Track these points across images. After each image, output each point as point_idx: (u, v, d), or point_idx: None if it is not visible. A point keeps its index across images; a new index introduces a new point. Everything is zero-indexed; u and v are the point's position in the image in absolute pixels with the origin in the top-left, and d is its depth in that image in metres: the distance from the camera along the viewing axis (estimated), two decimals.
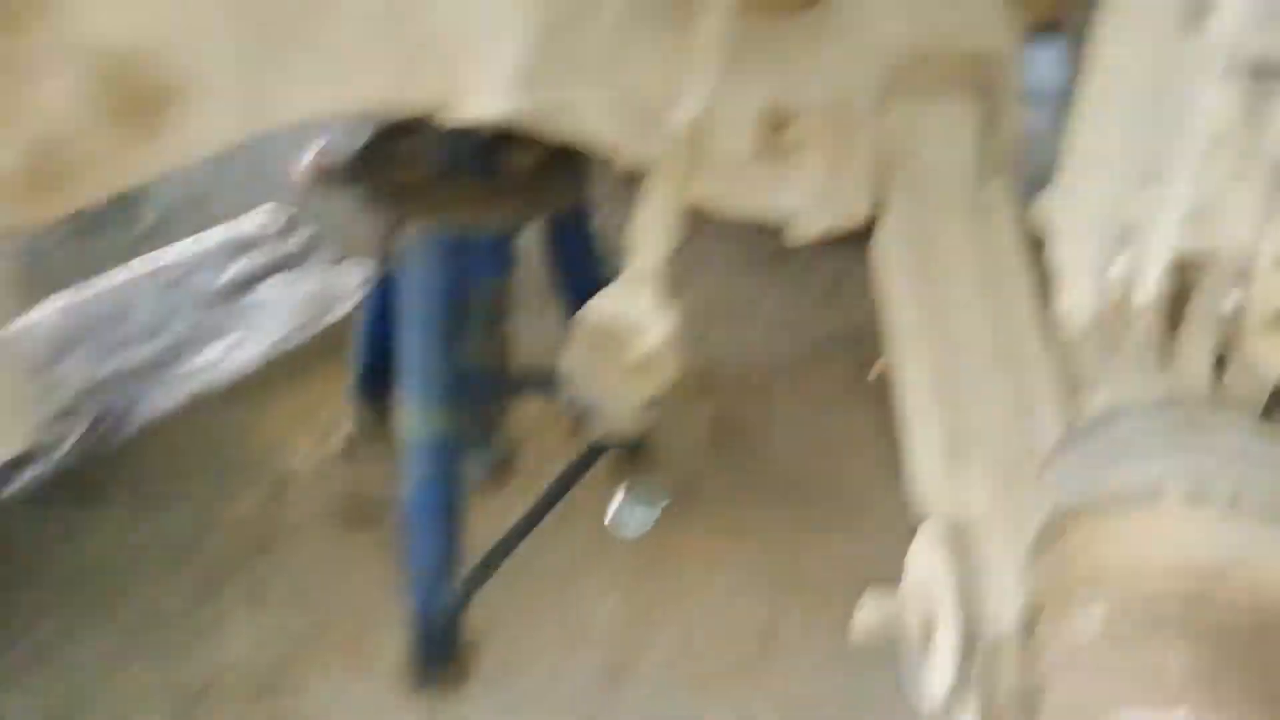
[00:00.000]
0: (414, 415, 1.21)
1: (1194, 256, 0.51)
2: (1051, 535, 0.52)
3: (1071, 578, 0.48)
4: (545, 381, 1.78)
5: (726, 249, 2.27)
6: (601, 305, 0.80)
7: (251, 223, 2.27)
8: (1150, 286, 0.45)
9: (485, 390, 1.35)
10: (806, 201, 0.97)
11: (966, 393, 0.85)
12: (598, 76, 0.91)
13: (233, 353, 1.95)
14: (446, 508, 1.31)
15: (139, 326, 1.98)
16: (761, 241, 2.17)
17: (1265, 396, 0.64)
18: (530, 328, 1.65)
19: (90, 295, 2.04)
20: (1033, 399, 0.84)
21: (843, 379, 1.91)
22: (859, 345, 1.92)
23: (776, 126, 0.97)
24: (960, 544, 0.73)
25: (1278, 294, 0.47)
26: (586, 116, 0.94)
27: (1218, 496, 0.45)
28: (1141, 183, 0.46)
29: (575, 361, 0.83)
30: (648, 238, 0.82)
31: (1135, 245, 0.46)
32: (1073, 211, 0.53)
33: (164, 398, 1.87)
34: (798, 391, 1.95)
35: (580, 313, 0.86)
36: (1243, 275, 0.49)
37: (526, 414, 1.77)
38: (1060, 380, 0.83)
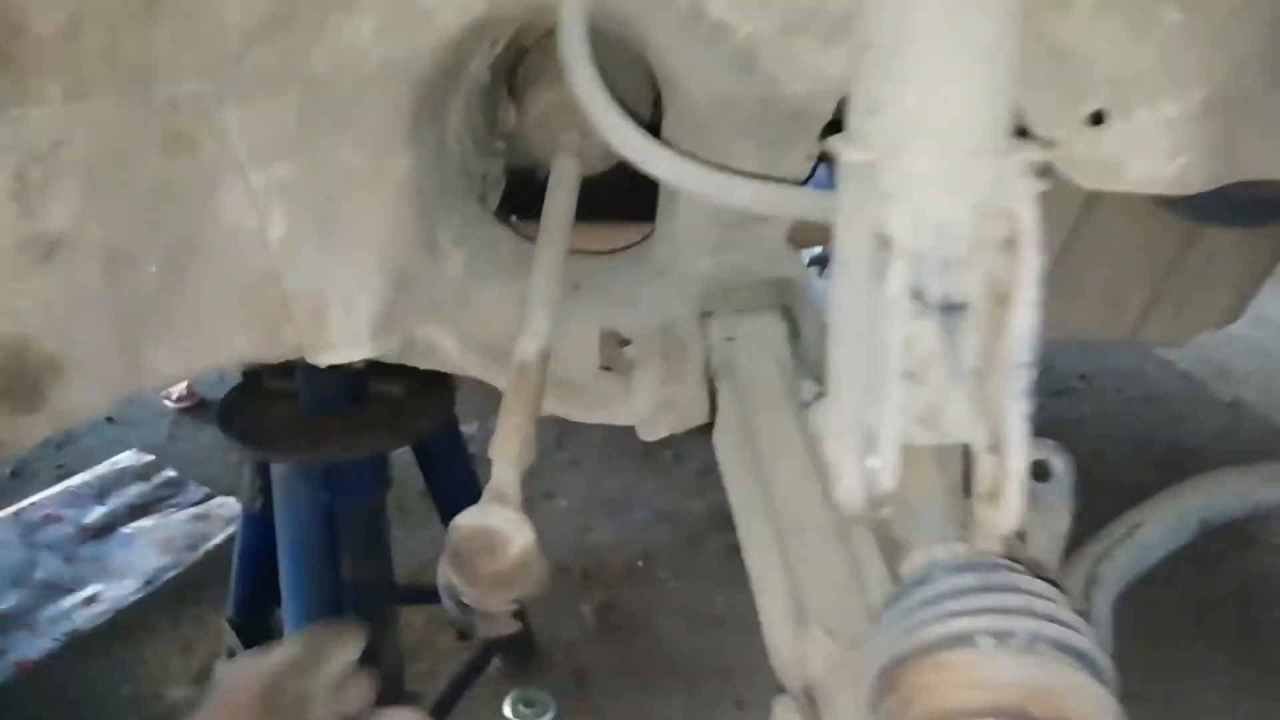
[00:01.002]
0: None
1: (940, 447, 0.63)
2: (885, 686, 0.60)
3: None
4: (431, 591, 1.81)
5: (601, 448, 2.38)
6: (466, 521, 0.88)
7: (114, 466, 2.26)
8: (890, 476, 0.56)
9: (368, 608, 1.38)
10: (649, 410, 1.07)
11: (804, 565, 0.94)
12: (449, 318, 1.02)
13: (105, 593, 1.91)
14: None
15: (3, 577, 1.93)
16: (634, 439, 2.29)
17: (1055, 546, 0.76)
18: (415, 536, 1.69)
19: None
20: (863, 566, 0.94)
21: (720, 558, 2.00)
22: (732, 525, 2.02)
23: (616, 345, 1.09)
24: (810, 705, 0.80)
25: (989, 475, 0.58)
26: (442, 350, 1.04)
27: (1018, 641, 0.55)
28: (872, 396, 0.57)
29: (447, 573, 0.89)
30: (505, 455, 0.91)
31: (875, 444, 0.57)
32: (832, 416, 0.64)
33: (34, 644, 1.80)
34: (679, 574, 2.02)
35: (449, 528, 0.93)
36: (969, 460, 0.61)
37: (414, 623, 1.78)
38: (881, 550, 0.93)
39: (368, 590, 1.34)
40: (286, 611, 1.24)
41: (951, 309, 0.59)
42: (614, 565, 2.04)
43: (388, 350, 1.00)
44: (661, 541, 2.14)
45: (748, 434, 1.05)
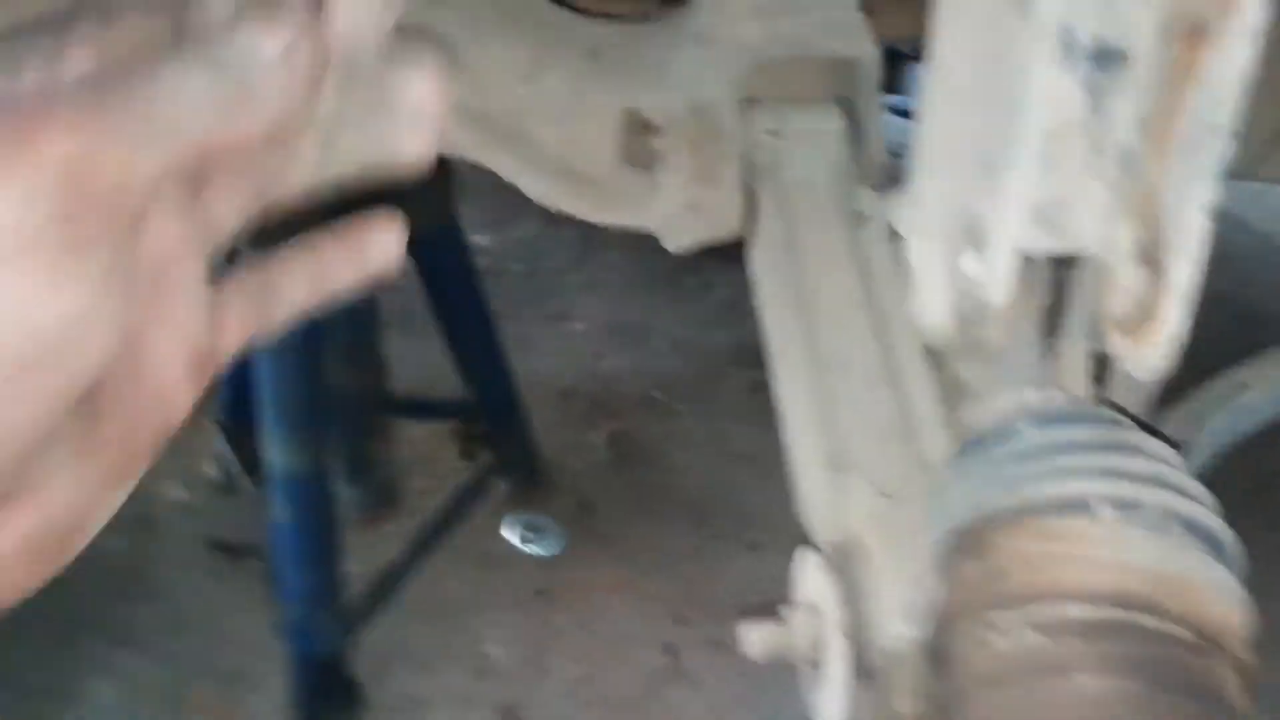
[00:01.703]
0: (275, 448, 1.13)
1: (1060, 256, 0.48)
2: (966, 549, 0.48)
3: (996, 591, 0.45)
4: (430, 405, 1.73)
5: (620, 270, 2.23)
6: None
7: None
8: (1000, 288, 0.41)
9: (357, 416, 1.27)
10: (676, 211, 0.92)
11: (845, 407, 0.81)
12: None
13: None
14: (317, 542, 1.23)
15: None
16: (655, 261, 2.14)
17: (1149, 399, 0.62)
18: (416, 347, 1.57)
19: None
20: (913, 412, 0.81)
21: (741, 395, 1.88)
22: (756, 361, 1.89)
23: (640, 133, 0.92)
24: (845, 561, 0.69)
25: (1132, 292, 0.43)
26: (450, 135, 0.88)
27: (1145, 514, 0.43)
28: (984, 174, 0.42)
29: None
30: None
31: (982, 243, 0.42)
32: (921, 207, 0.49)
33: None
34: (696, 409, 1.91)
35: None
36: (1103, 275, 0.46)
37: (413, 439, 1.69)
38: (940, 393, 0.80)
39: (358, 398, 1.24)
40: (264, 412, 1.14)
41: (1104, 59, 0.42)
42: (629, 394, 1.94)
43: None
44: (680, 373, 2.03)
45: (790, 249, 0.89)
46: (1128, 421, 0.50)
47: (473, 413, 1.57)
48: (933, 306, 0.47)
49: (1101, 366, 0.55)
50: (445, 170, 0.99)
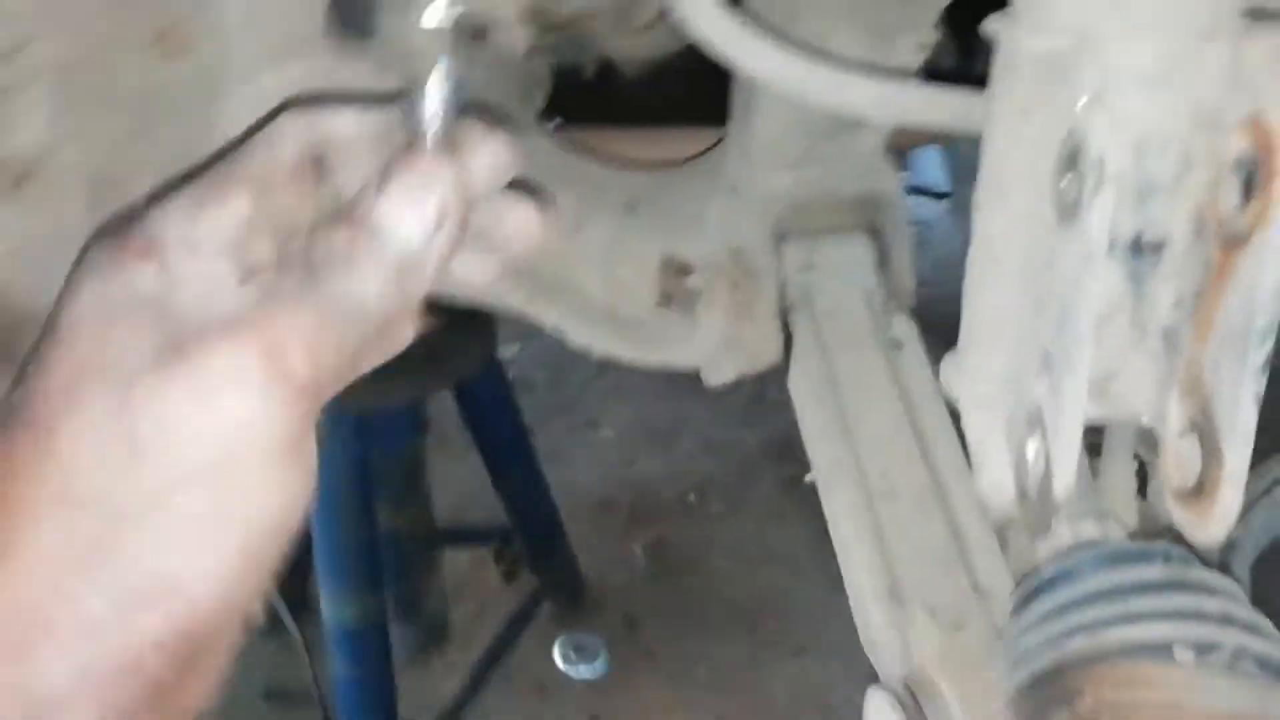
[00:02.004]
0: (330, 600, 1.15)
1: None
2: (1052, 695, 0.50)
3: None
4: (471, 532, 1.74)
5: (645, 373, 2.26)
6: None
7: None
8: (1064, 481, 0.43)
9: (408, 557, 1.29)
10: (716, 348, 0.95)
11: (897, 534, 0.83)
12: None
13: None
14: (378, 692, 1.23)
15: None
16: None
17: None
18: (453, 469, 1.59)
19: None
20: (966, 536, 0.82)
21: (776, 493, 1.89)
22: (788, 455, 1.92)
23: (677, 275, 0.96)
24: (913, 699, 0.70)
25: (1187, 466, 0.45)
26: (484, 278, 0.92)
27: (1222, 655, 0.45)
28: (1041, 365, 0.44)
29: None
30: None
31: (1043, 431, 0.44)
32: (977, 384, 0.51)
33: None
34: (733, 510, 1.93)
35: None
36: (1158, 445, 0.48)
37: (454, 564, 1.70)
38: (988, 518, 0.81)
39: (407, 539, 1.25)
40: (320, 567, 1.16)
41: (1144, 249, 0.45)
42: (664, 500, 1.95)
43: None
44: (714, 474, 2.04)
45: (829, 378, 0.92)
46: (1189, 555, 0.52)
47: (512, 535, 1.59)
48: (996, 485, 0.49)
49: (1144, 480, 0.57)
50: (488, 318, 1.03)
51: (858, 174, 0.87)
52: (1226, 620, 0.46)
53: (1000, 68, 0.46)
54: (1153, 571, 0.50)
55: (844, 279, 0.95)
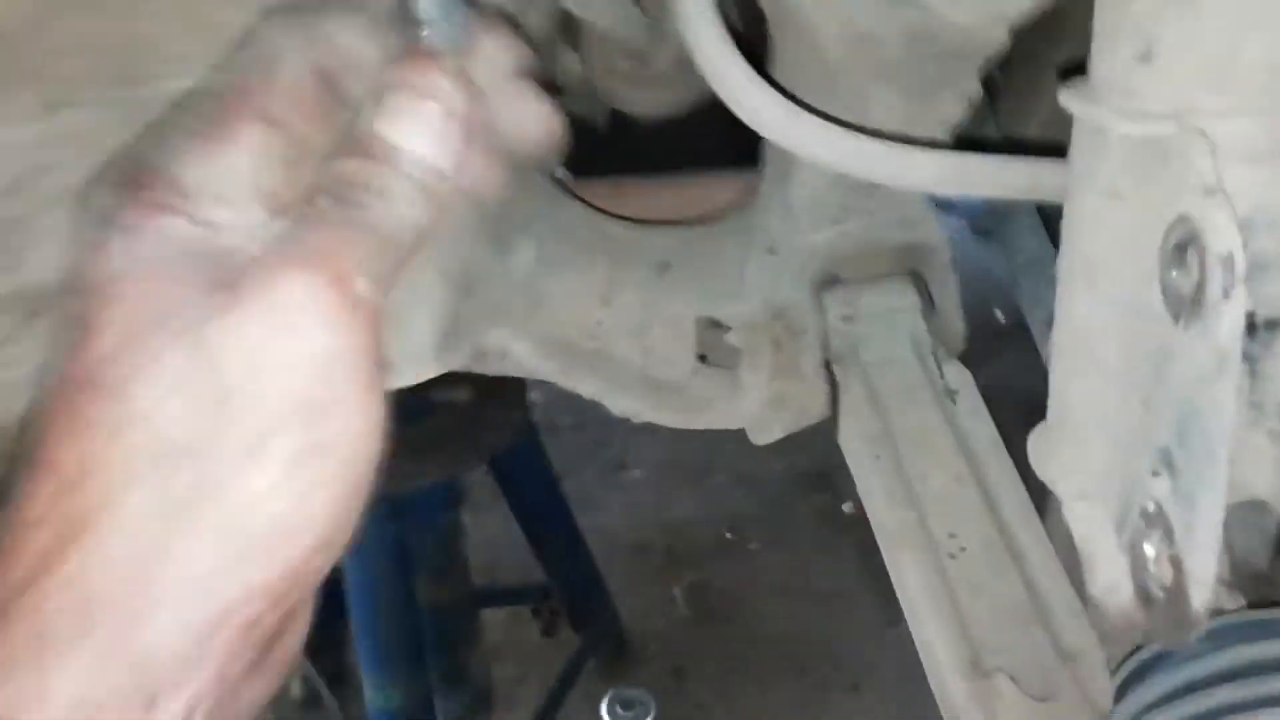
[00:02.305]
0: (373, 686, 1.12)
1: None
2: None
3: None
4: (510, 591, 1.71)
5: None
6: None
7: None
8: (1204, 590, 0.40)
9: (449, 628, 1.26)
10: (761, 408, 0.92)
11: (971, 595, 0.79)
12: (520, 319, 0.87)
13: None
14: None
15: None
16: None
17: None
18: (483, 523, 1.56)
19: None
20: (1042, 593, 0.78)
21: (813, 524, 1.86)
22: (823, 485, 1.88)
23: (716, 333, 0.93)
24: None
25: None
26: (516, 356, 0.89)
27: None
28: (1156, 463, 0.41)
29: None
30: None
31: (1166, 532, 0.41)
32: (1077, 474, 0.48)
33: None
34: (772, 545, 1.89)
35: None
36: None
37: (493, 623, 1.67)
38: (1069, 567, 0.78)
39: (448, 610, 1.22)
40: (362, 652, 1.13)
41: (1258, 327, 0.42)
42: (700, 540, 1.91)
43: (455, 365, 0.86)
44: (749, 509, 2.00)
45: (884, 433, 0.88)
46: None
47: (549, 590, 1.56)
48: (1112, 587, 0.46)
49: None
50: (520, 385, 1.00)
51: (900, 223, 0.84)
52: None
53: (1083, 147, 0.43)
54: (1272, 649, 0.46)
55: (890, 327, 0.91)
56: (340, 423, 0.37)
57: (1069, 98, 0.43)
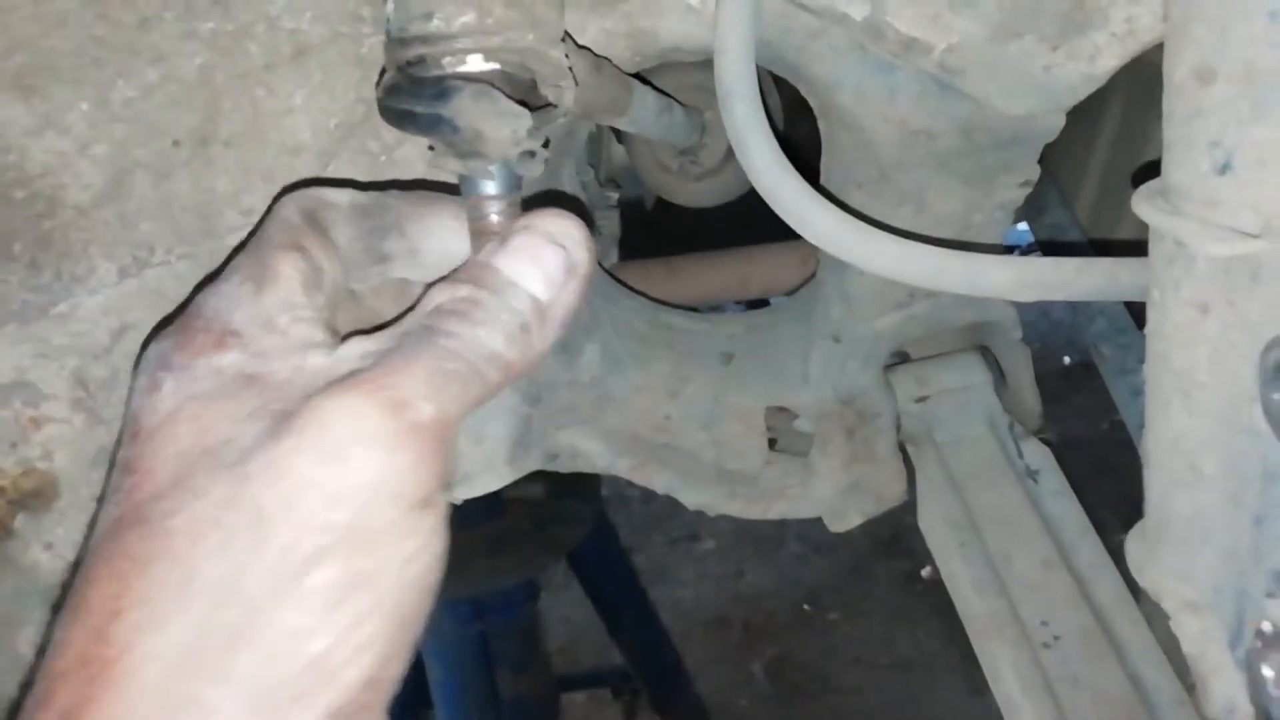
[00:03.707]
0: None
1: None
2: None
3: None
4: (590, 676, 1.70)
5: None
6: None
7: None
8: None
9: (537, 717, 1.25)
10: (837, 494, 0.90)
11: (1068, 686, 0.76)
12: (590, 419, 0.87)
13: None
14: None
15: None
16: None
17: None
18: (557, 601, 1.55)
19: None
20: (1147, 684, 0.75)
21: (894, 591, 1.81)
22: (900, 549, 1.83)
23: (787, 420, 0.92)
24: None
25: None
26: (587, 455, 0.89)
27: None
28: (1270, 583, 0.39)
29: None
30: None
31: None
32: (1185, 586, 0.46)
33: None
34: (852, 615, 1.84)
35: None
36: None
37: (573, 705, 1.65)
38: (1171, 655, 0.75)
39: (531, 702, 1.21)
40: None
41: None
42: (778, 612, 1.88)
43: (528, 469, 0.86)
44: (825, 577, 1.96)
45: (965, 516, 0.86)
46: None
47: (629, 673, 1.54)
48: (1230, 708, 0.44)
49: None
50: (593, 480, 1.00)
51: (967, 303, 0.82)
52: None
53: (1166, 258, 0.41)
54: None
55: (963, 404, 0.89)
56: (388, 549, 0.35)
57: (1146, 208, 0.42)
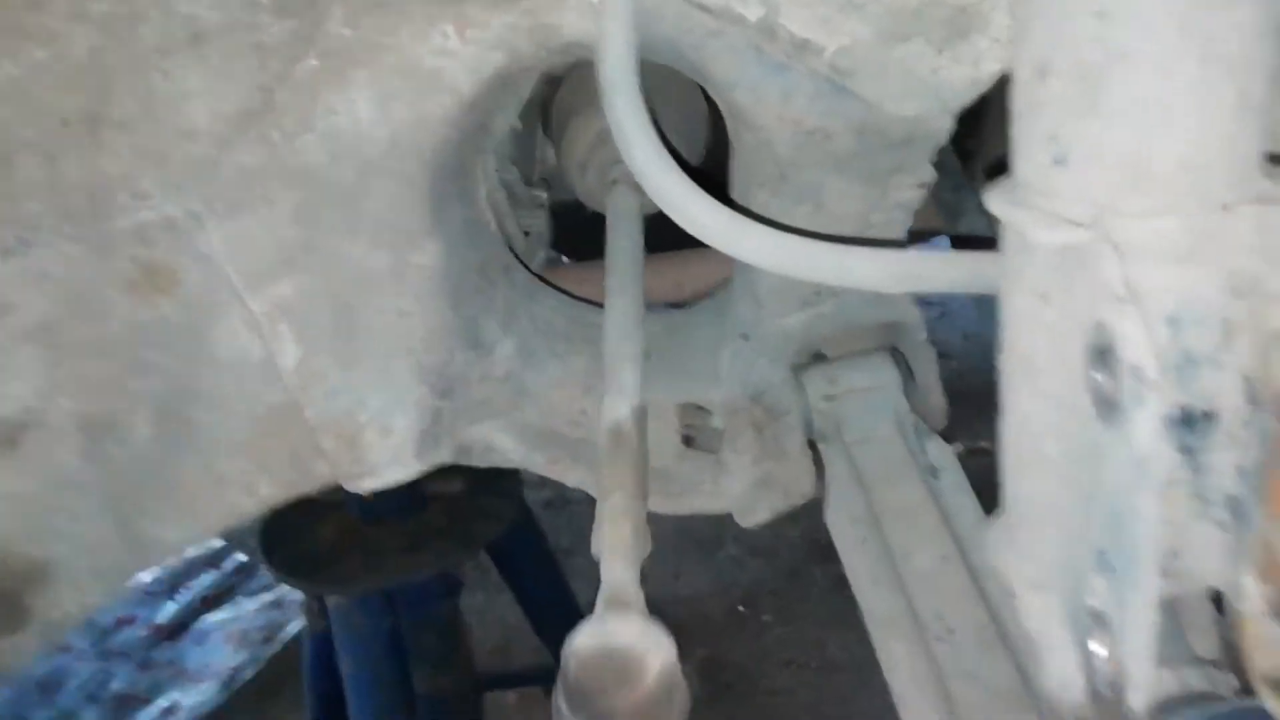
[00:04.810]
0: None
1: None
2: None
3: None
4: (519, 675, 1.69)
5: None
6: (584, 644, 0.70)
7: (182, 556, 2.16)
8: (1142, 694, 0.39)
9: (451, 717, 1.24)
10: (748, 490, 0.92)
11: (960, 679, 0.78)
12: (504, 413, 0.87)
13: (182, 701, 1.81)
14: None
15: (76, 693, 1.84)
16: None
17: None
18: (496, 600, 1.54)
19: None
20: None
21: (828, 595, 1.83)
22: (836, 555, 1.84)
23: (699, 417, 0.93)
24: None
25: (1273, 650, 0.41)
26: (502, 449, 0.90)
27: None
28: (1096, 563, 0.41)
29: (568, 713, 0.72)
30: (616, 548, 0.73)
31: (1112, 641, 0.40)
32: (1028, 566, 0.47)
33: None
34: (785, 615, 1.86)
35: (562, 656, 0.77)
36: (1242, 626, 0.44)
37: (501, 705, 1.65)
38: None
39: (453, 699, 1.21)
40: None
41: (1193, 421, 0.42)
42: (712, 613, 1.89)
43: (438, 462, 0.86)
44: (761, 580, 1.98)
45: (868, 513, 0.88)
46: None
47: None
48: (1065, 683, 0.45)
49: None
50: (513, 475, 1.00)
51: (873, 302, 0.84)
52: None
53: (1012, 249, 0.43)
54: None
55: (871, 404, 0.91)
56: None
57: (992, 199, 0.43)
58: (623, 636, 0.69)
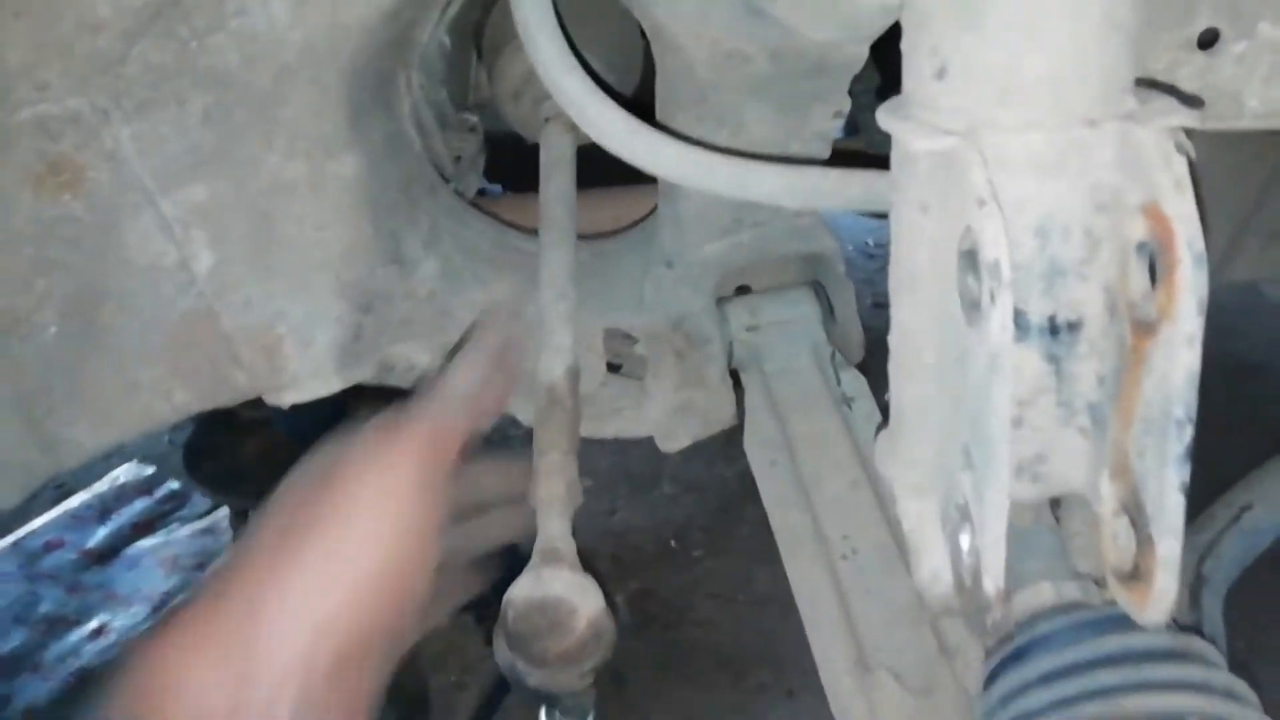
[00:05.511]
0: None
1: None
2: None
3: None
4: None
5: None
6: (520, 594, 0.73)
7: (115, 482, 2.15)
8: (993, 579, 0.42)
9: None
10: (669, 415, 0.94)
11: (861, 596, 0.81)
12: (427, 333, 0.88)
13: (112, 623, 1.81)
14: None
15: (3, 615, 1.83)
16: None
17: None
18: None
19: None
20: None
21: (758, 532, 1.87)
22: None
23: (624, 343, 0.94)
24: None
25: (1123, 547, 0.44)
26: (425, 370, 0.90)
27: None
28: (964, 461, 0.43)
29: (507, 656, 0.75)
30: (550, 503, 0.77)
31: (972, 530, 0.43)
32: (908, 471, 0.50)
33: (42, 686, 1.71)
34: (715, 552, 1.90)
35: (503, 604, 0.79)
36: (1095, 523, 0.47)
37: (438, 634, 1.67)
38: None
39: None
40: None
41: (1059, 329, 0.44)
42: (646, 547, 1.93)
43: (359, 379, 0.86)
44: (694, 517, 2.02)
45: (783, 439, 0.90)
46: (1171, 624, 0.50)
47: (491, 597, 1.56)
48: (935, 575, 0.48)
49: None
50: None
51: (792, 234, 0.86)
52: (1227, 694, 0.46)
53: (897, 162, 0.45)
54: (1160, 640, 0.48)
55: (790, 336, 0.93)
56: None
57: (881, 111, 0.45)
58: (557, 587, 0.73)
